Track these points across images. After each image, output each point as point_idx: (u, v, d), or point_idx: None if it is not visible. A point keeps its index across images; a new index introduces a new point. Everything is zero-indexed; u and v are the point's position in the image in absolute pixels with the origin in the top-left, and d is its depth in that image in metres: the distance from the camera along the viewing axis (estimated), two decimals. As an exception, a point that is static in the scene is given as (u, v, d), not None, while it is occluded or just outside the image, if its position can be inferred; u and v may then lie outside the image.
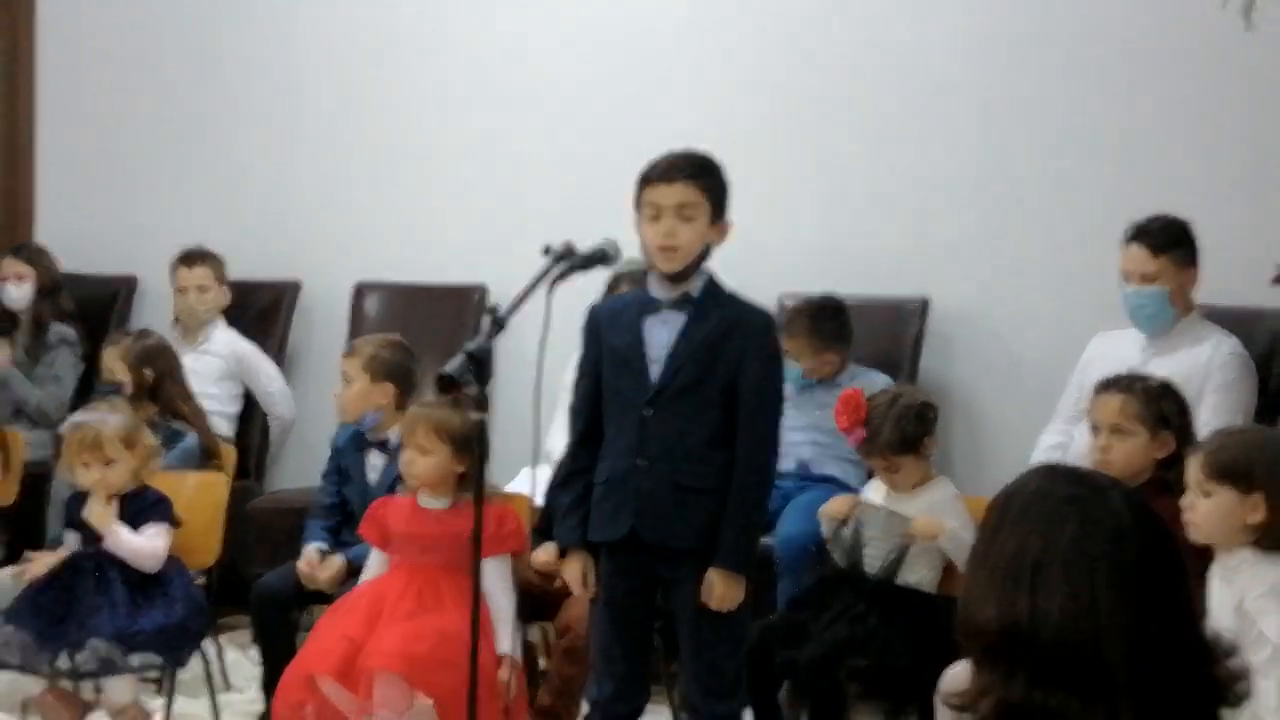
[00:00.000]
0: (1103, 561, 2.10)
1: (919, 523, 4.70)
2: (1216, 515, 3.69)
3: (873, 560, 4.77)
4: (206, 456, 5.52)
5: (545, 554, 4.91)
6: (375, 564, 4.68)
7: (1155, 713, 2.08)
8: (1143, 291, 5.14)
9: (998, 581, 2.12)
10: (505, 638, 4.44)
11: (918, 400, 4.87)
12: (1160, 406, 4.42)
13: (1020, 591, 2.11)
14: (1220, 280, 5.25)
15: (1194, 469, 3.75)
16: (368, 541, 4.72)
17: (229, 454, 5.75)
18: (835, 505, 4.87)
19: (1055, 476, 2.21)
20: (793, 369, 5.45)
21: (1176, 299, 5.15)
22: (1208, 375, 5.08)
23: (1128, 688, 2.07)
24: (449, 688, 4.22)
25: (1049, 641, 2.09)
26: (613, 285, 5.46)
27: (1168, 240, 5.13)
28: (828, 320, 5.69)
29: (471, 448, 4.45)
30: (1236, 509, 3.69)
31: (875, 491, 4.91)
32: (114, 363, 5.70)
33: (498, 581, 4.45)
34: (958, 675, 4.08)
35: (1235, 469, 3.69)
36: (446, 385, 3.74)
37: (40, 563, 4.90)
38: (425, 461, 4.56)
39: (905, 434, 4.75)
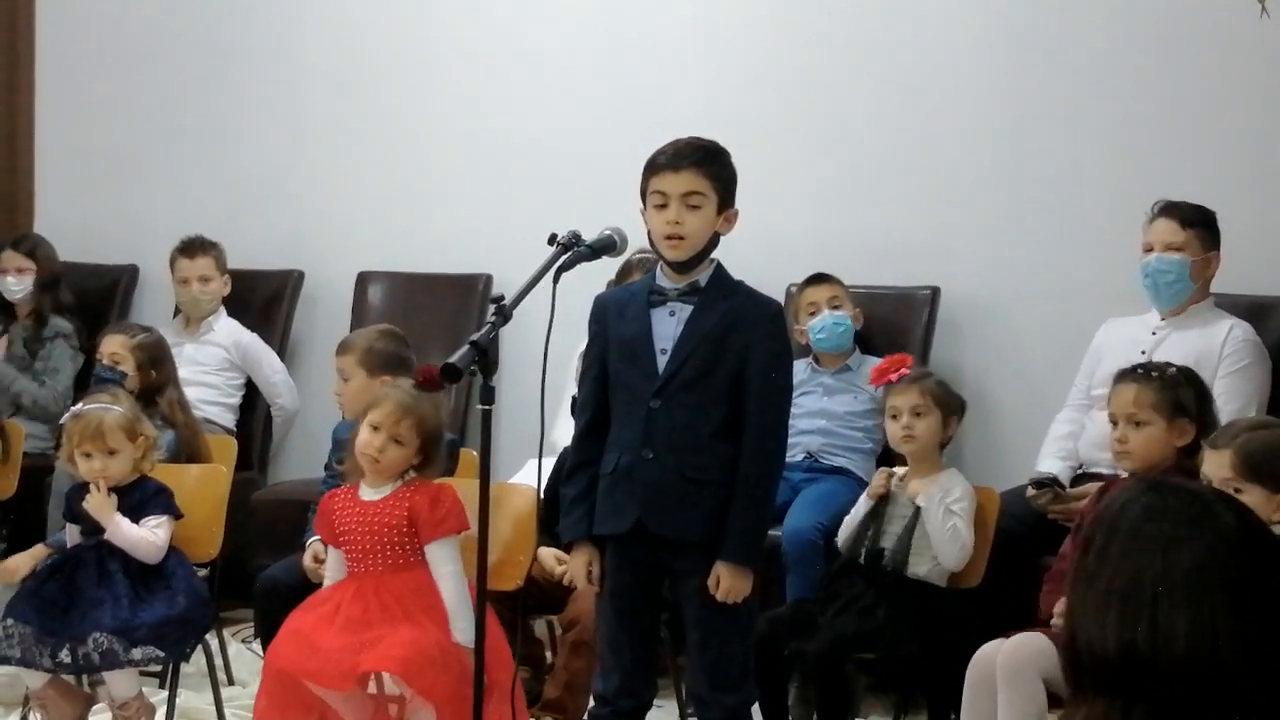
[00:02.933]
0: (1221, 589, 2.07)
1: (910, 484, 4.75)
2: None
3: (890, 538, 4.77)
4: (188, 459, 5.45)
5: (551, 559, 4.88)
6: (334, 561, 4.52)
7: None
8: (1166, 258, 5.13)
9: (1115, 606, 2.08)
10: (458, 627, 4.26)
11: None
12: (1177, 394, 4.40)
13: (1140, 619, 2.06)
14: (1234, 269, 5.22)
15: (1221, 464, 3.76)
16: (321, 539, 4.62)
17: (227, 446, 5.71)
18: (878, 482, 4.88)
19: (1164, 493, 2.16)
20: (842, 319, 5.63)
21: (1197, 274, 5.14)
22: (1219, 360, 5.07)
23: (1251, 710, 2.05)
24: (450, 693, 4.19)
25: (1171, 670, 2.05)
26: (623, 274, 5.42)
27: (1197, 218, 5.16)
28: None
29: (436, 444, 4.43)
30: (1263, 507, 3.70)
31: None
32: (120, 350, 5.65)
33: (444, 566, 4.33)
34: (989, 656, 4.09)
35: (1269, 468, 3.69)
36: (452, 376, 3.70)
37: (18, 563, 4.89)
38: (398, 453, 4.42)
39: (948, 392, 4.85)
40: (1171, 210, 5.17)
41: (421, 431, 4.43)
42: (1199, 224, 5.14)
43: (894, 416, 4.85)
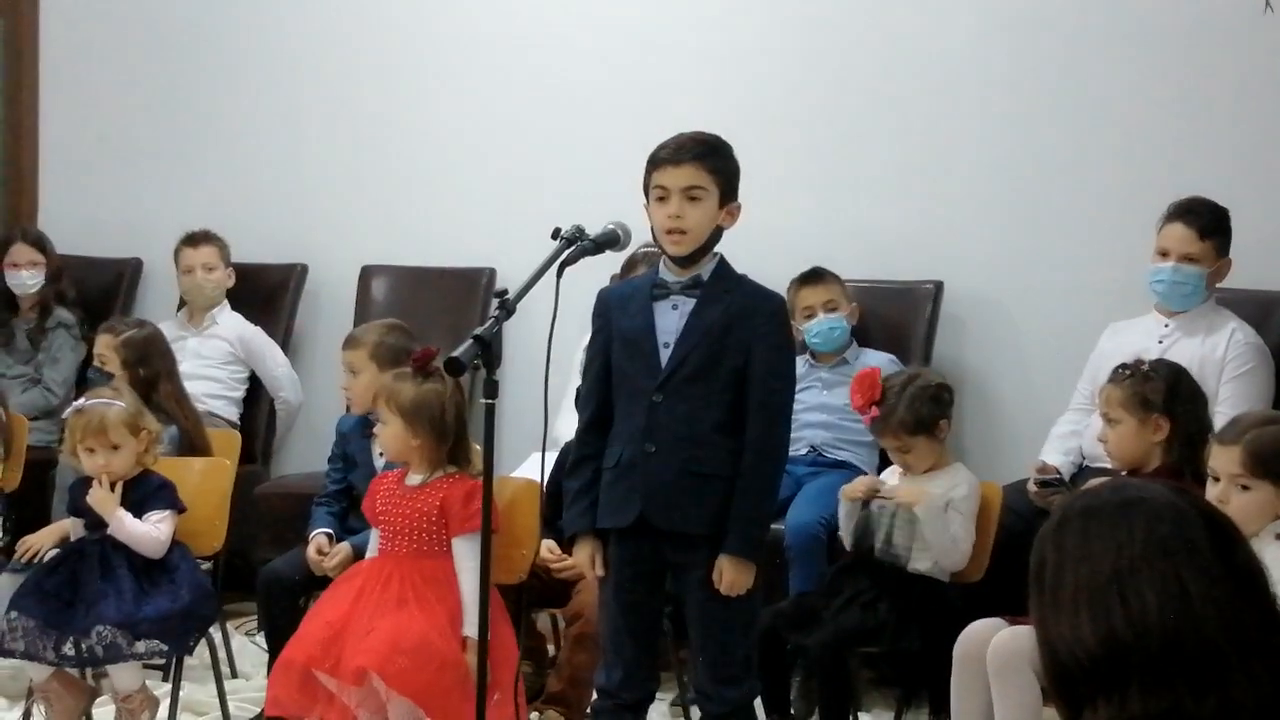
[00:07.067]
0: (1180, 553, 2.08)
1: (901, 491, 4.71)
2: (1253, 509, 3.71)
3: (893, 533, 4.75)
4: (191, 452, 5.45)
5: (549, 551, 4.88)
6: (374, 540, 4.67)
7: (1269, 688, 2.05)
8: (1183, 269, 5.12)
9: (1084, 606, 2.09)
10: (470, 622, 4.36)
11: (933, 381, 4.84)
12: (1144, 390, 4.41)
13: (1111, 606, 2.07)
14: (1239, 264, 5.20)
15: (1230, 460, 3.75)
16: (367, 518, 4.72)
17: (231, 440, 5.70)
18: (857, 486, 4.85)
19: (1096, 492, 2.18)
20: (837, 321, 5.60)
21: (1211, 283, 5.14)
22: (1223, 365, 5.07)
23: (1239, 669, 2.05)
24: (425, 686, 4.29)
25: (1153, 642, 2.06)
26: (628, 268, 5.41)
27: (1214, 226, 5.13)
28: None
29: (421, 422, 4.51)
30: (1272, 503, 3.72)
31: (890, 475, 4.89)
32: (108, 351, 5.65)
33: (467, 560, 4.43)
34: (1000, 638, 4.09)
35: (1278, 464, 3.69)
36: (455, 370, 3.71)
37: (40, 540, 4.92)
38: (382, 432, 4.65)
39: (919, 415, 4.73)
40: (1189, 216, 5.10)
41: (394, 406, 4.55)
42: (1216, 233, 5.10)
43: (886, 455, 4.85)
